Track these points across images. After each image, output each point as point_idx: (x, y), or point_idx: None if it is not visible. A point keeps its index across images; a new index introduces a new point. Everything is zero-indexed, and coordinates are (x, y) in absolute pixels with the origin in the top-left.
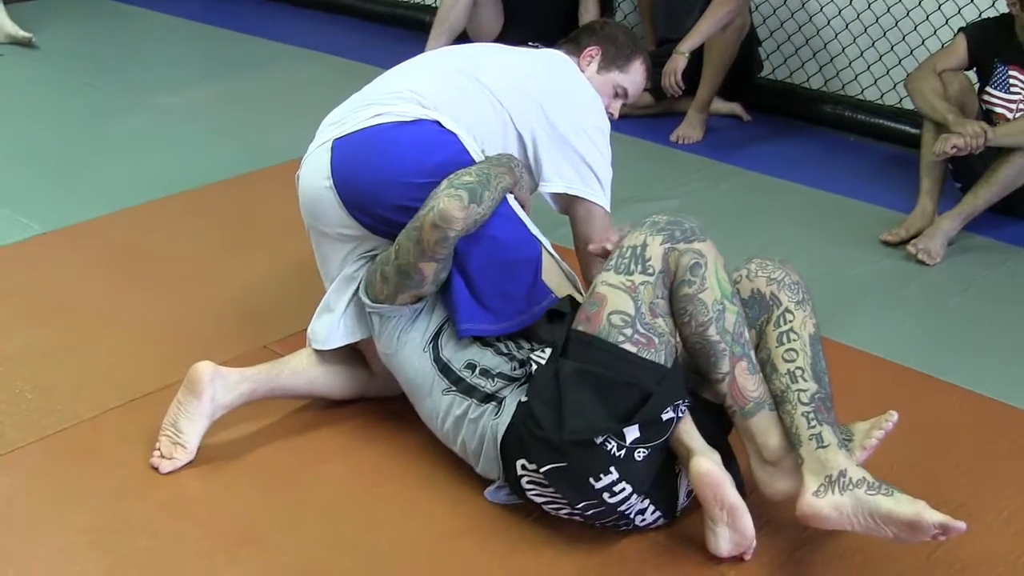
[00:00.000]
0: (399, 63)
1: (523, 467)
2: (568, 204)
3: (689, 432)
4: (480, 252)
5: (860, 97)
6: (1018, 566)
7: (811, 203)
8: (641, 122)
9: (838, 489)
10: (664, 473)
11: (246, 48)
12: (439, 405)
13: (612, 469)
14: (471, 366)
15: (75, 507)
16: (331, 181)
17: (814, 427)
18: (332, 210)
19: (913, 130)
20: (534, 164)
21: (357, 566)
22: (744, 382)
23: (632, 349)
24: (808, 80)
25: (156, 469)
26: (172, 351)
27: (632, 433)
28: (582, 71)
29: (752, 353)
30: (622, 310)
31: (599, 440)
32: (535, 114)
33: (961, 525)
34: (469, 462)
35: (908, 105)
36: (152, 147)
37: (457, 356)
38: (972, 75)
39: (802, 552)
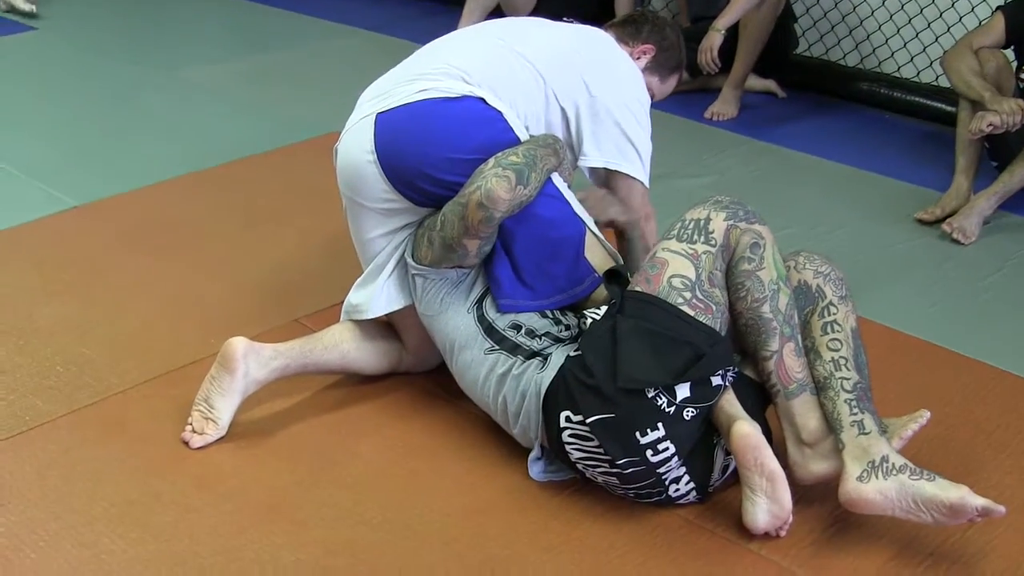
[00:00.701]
0: (431, 39)
1: (567, 419)
2: (608, 178)
3: (731, 402)
4: (524, 230)
5: (896, 75)
6: None
7: (846, 181)
8: (676, 98)
9: (882, 474)
10: (703, 444)
11: (276, 22)
12: (482, 364)
13: (660, 425)
14: (516, 326)
15: (105, 480)
16: (375, 155)
17: (856, 414)
18: (374, 183)
19: (949, 108)
20: (575, 137)
21: (386, 541)
22: (791, 362)
23: (690, 312)
24: (844, 57)
25: (187, 444)
26: (203, 325)
27: (683, 391)
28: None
29: (799, 336)
30: (683, 274)
31: (650, 394)
32: (578, 87)
33: (1001, 509)
34: (505, 424)
35: (944, 83)
36: (182, 122)
37: (502, 317)
38: (1009, 53)
39: (831, 532)
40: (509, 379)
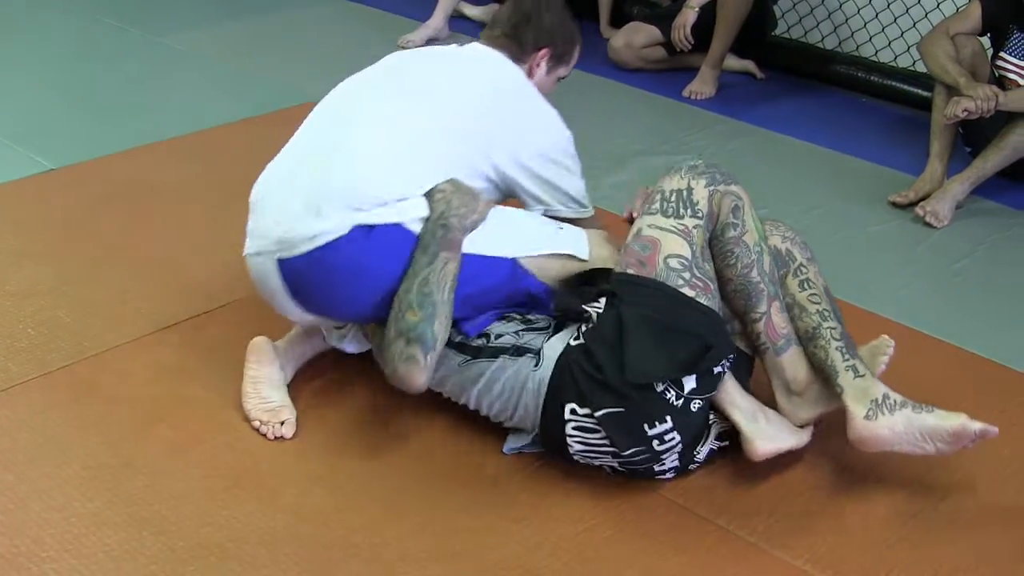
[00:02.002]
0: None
1: (572, 412)
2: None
3: (733, 386)
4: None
5: (874, 59)
6: (1015, 526)
7: (821, 162)
8: (653, 76)
9: (887, 410)
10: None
11: None
12: (460, 375)
13: (668, 418)
14: (485, 336)
15: (76, 443)
16: (289, 297)
17: (848, 360)
18: (296, 312)
19: (925, 93)
20: (507, 190)
21: (356, 510)
22: (778, 320)
23: (691, 294)
24: (822, 40)
25: (281, 437)
26: (178, 291)
27: (690, 383)
28: (532, 75)
29: (781, 292)
30: (679, 253)
31: (659, 388)
32: (500, 155)
33: (994, 429)
34: (497, 419)
35: (921, 68)
36: (162, 87)
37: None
38: (985, 41)
39: (797, 508)
40: (498, 382)
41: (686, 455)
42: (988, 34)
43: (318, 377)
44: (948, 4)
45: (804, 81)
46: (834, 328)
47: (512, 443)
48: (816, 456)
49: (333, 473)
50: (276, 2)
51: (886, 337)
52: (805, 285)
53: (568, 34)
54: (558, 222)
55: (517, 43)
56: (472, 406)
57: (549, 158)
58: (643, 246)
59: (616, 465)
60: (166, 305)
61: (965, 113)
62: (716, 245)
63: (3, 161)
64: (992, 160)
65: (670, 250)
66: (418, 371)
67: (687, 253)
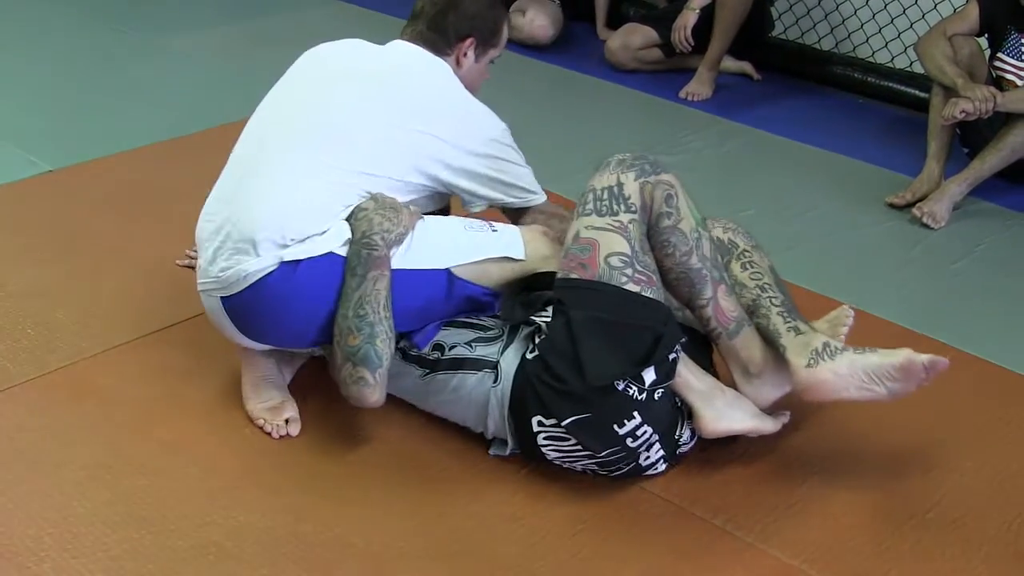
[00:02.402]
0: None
1: (539, 423)
2: (503, 209)
3: (688, 369)
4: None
5: (871, 59)
6: (1013, 527)
7: (818, 164)
8: (650, 77)
9: (827, 356)
10: (671, 412)
11: None
12: (422, 387)
13: (635, 414)
14: (439, 347)
15: (75, 443)
16: (238, 331)
17: (789, 322)
18: (248, 343)
19: (922, 94)
20: (449, 193)
21: (354, 511)
22: (726, 304)
23: (636, 289)
24: (819, 41)
25: (287, 436)
26: (177, 291)
27: (650, 375)
28: (460, 65)
29: (726, 275)
30: (618, 251)
31: (620, 386)
32: (433, 164)
33: (944, 360)
34: (477, 431)
35: (918, 69)
36: (163, 88)
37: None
38: (983, 41)
39: (794, 507)
40: (461, 397)
41: (668, 443)
42: (985, 35)
43: (315, 378)
44: (945, 5)
45: (801, 82)
46: (774, 297)
47: (496, 450)
48: (813, 455)
49: (331, 473)
50: (276, 4)
51: (846, 307)
52: (747, 266)
53: (493, 16)
54: (490, 223)
55: (440, 35)
56: (447, 418)
57: (486, 155)
58: (582, 248)
59: (596, 467)
60: (165, 306)
61: (963, 114)
62: (653, 235)
63: (3, 162)
64: (990, 161)
65: (609, 248)
66: (369, 390)
67: (626, 249)
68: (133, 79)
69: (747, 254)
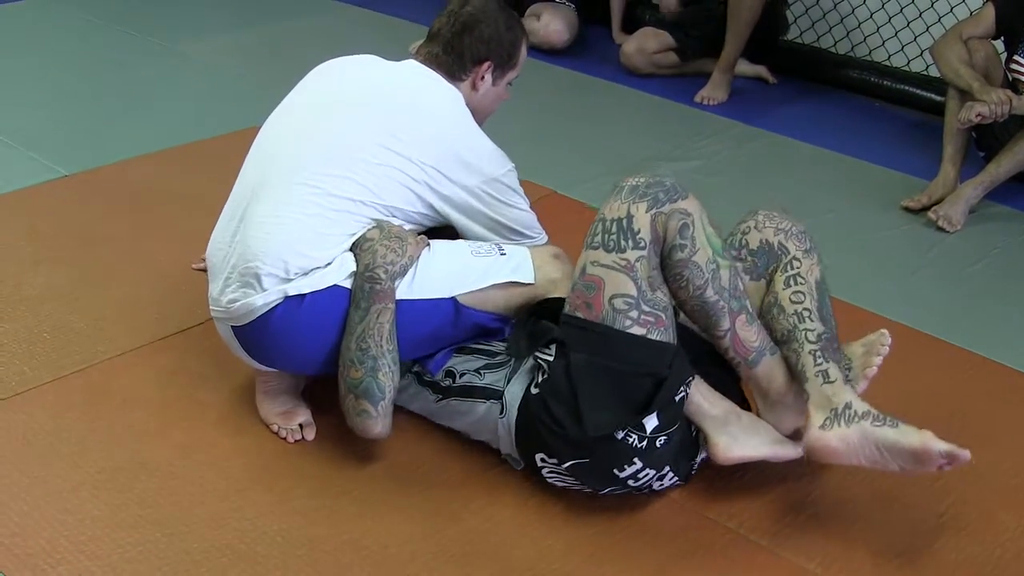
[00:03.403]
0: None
1: (543, 460)
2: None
3: (702, 395)
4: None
5: (886, 63)
6: None
7: (834, 167)
8: (666, 82)
9: (844, 421)
10: (685, 443)
11: None
12: (437, 409)
13: (636, 460)
14: (450, 374)
15: (91, 446)
16: (250, 357)
17: (820, 364)
18: (261, 368)
19: (938, 97)
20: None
21: (368, 512)
22: (745, 335)
23: (641, 331)
24: (835, 45)
25: (302, 440)
26: (191, 296)
27: (651, 422)
28: (476, 88)
29: (748, 303)
30: (623, 292)
31: (620, 435)
32: (436, 200)
33: (966, 453)
34: (492, 445)
35: (934, 72)
36: (177, 94)
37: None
38: (999, 44)
39: (810, 512)
40: (474, 423)
41: (682, 469)
42: (1001, 38)
43: (328, 383)
44: (961, 8)
45: (816, 86)
46: (811, 330)
47: (511, 462)
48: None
49: (344, 476)
50: (289, 10)
51: (885, 332)
52: (791, 282)
53: (510, 39)
54: (499, 246)
55: (456, 59)
56: (464, 434)
57: (486, 193)
58: (587, 286)
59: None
60: (180, 310)
61: (979, 117)
62: (666, 267)
63: (18, 167)
64: (1005, 165)
65: (614, 290)
66: (371, 423)
67: (632, 291)
68: (147, 84)
69: (795, 264)
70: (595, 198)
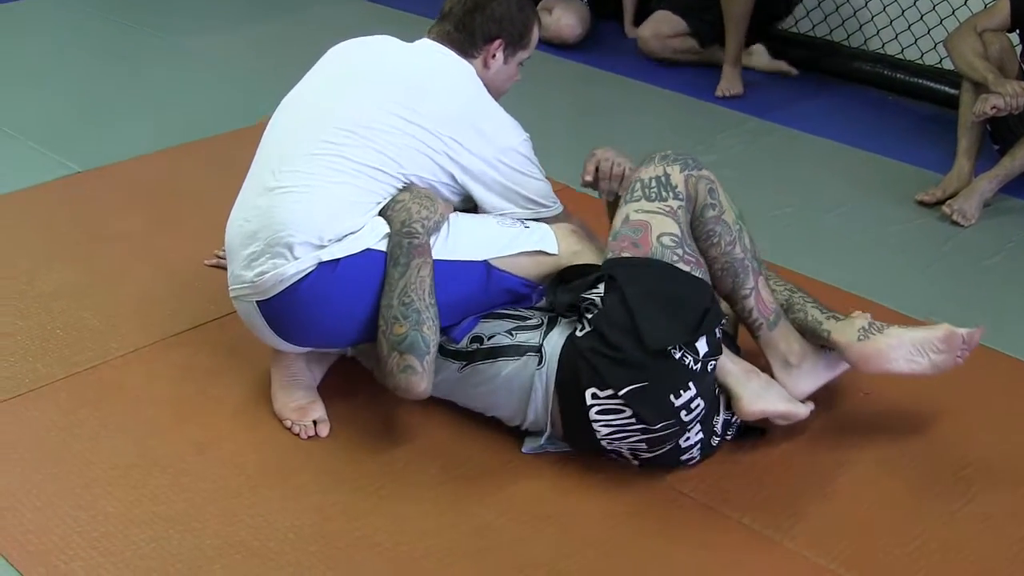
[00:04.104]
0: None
1: (594, 396)
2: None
3: (725, 354)
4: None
5: (900, 56)
6: None
7: (847, 161)
8: (680, 76)
9: (875, 331)
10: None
11: None
12: (460, 380)
13: (691, 384)
14: (478, 339)
15: (103, 443)
16: (275, 334)
17: (827, 312)
18: (286, 346)
19: (952, 90)
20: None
21: (381, 507)
22: (766, 295)
23: (686, 269)
24: (848, 38)
25: (315, 436)
26: (203, 292)
27: (703, 346)
28: (488, 66)
29: (764, 269)
30: (670, 232)
31: (677, 355)
32: (455, 168)
33: (981, 329)
34: (507, 420)
35: (948, 65)
36: (187, 90)
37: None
38: (1014, 37)
39: (823, 508)
40: (501, 384)
41: (706, 427)
42: (1017, 30)
43: (343, 378)
44: (975, 0)
45: (829, 79)
46: (806, 296)
47: (529, 444)
48: (842, 454)
49: (357, 472)
50: (299, 4)
51: (859, 312)
52: (768, 277)
53: (521, 19)
54: (521, 220)
55: (468, 36)
56: (485, 412)
57: (502, 163)
58: (634, 230)
59: (644, 445)
60: (193, 306)
61: (994, 110)
62: (697, 226)
63: (30, 164)
64: (1020, 157)
65: (661, 229)
66: (417, 378)
67: (676, 231)
68: (159, 80)
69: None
70: None
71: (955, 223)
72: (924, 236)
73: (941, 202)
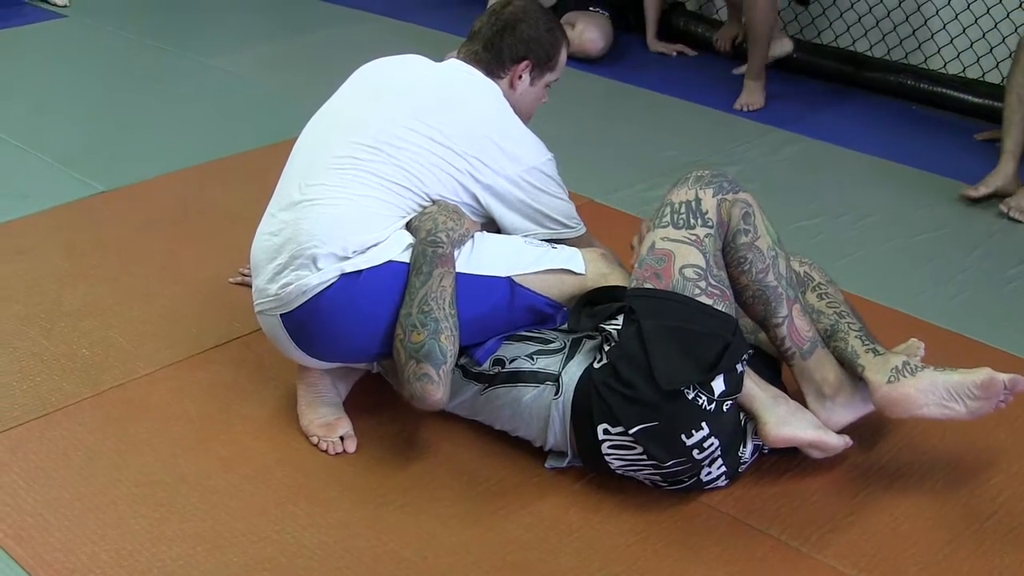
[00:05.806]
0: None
1: (605, 432)
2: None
3: (752, 379)
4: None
5: (923, 66)
6: None
7: (871, 171)
8: (702, 89)
9: (908, 372)
10: (735, 431)
11: (301, 9)
12: (482, 403)
13: (703, 424)
14: (499, 362)
15: (129, 461)
16: (298, 348)
17: (868, 344)
18: (311, 361)
19: (976, 100)
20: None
21: (408, 523)
22: (801, 323)
23: (708, 301)
24: (871, 48)
25: (343, 453)
26: (228, 310)
27: (719, 385)
28: (514, 87)
29: (802, 296)
30: (693, 263)
31: (690, 395)
32: (478, 188)
33: None
34: (537, 444)
35: (972, 74)
36: (211, 108)
37: (484, 361)
38: None
39: (850, 518)
40: (521, 410)
41: (731, 459)
42: None
43: (369, 394)
44: (998, 9)
45: (852, 89)
46: (852, 323)
47: (552, 462)
48: (868, 465)
49: (384, 488)
50: (320, 21)
51: (915, 340)
52: (823, 296)
53: (549, 40)
54: (549, 242)
55: (495, 57)
56: (511, 432)
57: (525, 182)
58: (657, 259)
59: (659, 478)
60: (218, 324)
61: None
62: (729, 252)
63: (56, 184)
64: None
65: (684, 260)
66: (433, 387)
67: (701, 262)
68: (183, 99)
69: (822, 287)
70: (634, 206)
71: (1013, 220)
72: (950, 245)
73: (987, 198)
